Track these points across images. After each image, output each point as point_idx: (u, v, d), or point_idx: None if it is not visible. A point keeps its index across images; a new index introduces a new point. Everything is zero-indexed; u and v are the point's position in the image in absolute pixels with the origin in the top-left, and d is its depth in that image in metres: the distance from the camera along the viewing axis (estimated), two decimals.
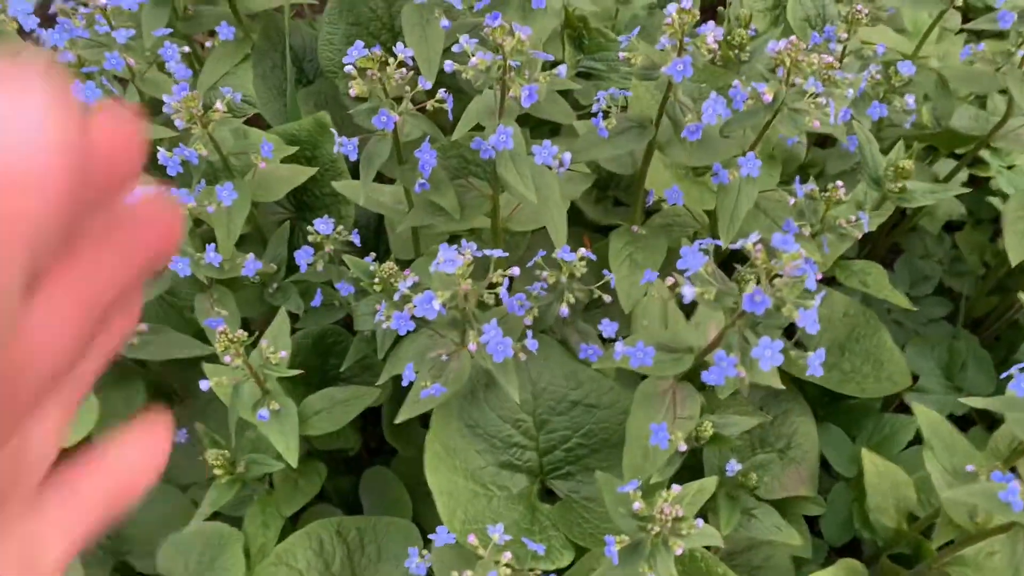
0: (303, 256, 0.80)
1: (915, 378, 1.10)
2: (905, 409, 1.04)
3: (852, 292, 1.04)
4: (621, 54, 0.71)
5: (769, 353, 0.55)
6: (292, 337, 0.87)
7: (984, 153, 1.33)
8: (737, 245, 0.61)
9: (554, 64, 0.72)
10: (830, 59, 0.84)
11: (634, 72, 0.71)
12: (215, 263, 0.73)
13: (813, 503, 0.92)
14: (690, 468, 0.84)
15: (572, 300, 0.72)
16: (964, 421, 1.10)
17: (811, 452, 0.91)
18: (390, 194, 0.82)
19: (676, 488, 0.63)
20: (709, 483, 0.69)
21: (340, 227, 0.81)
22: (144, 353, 0.78)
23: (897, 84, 0.91)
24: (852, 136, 0.89)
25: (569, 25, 1.04)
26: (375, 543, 0.81)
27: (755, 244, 0.55)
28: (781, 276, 0.55)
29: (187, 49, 0.84)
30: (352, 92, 0.68)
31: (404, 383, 0.70)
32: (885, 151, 1.18)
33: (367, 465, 0.95)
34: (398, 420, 0.72)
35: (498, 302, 0.68)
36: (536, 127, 1.04)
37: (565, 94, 0.79)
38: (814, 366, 0.59)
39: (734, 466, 0.81)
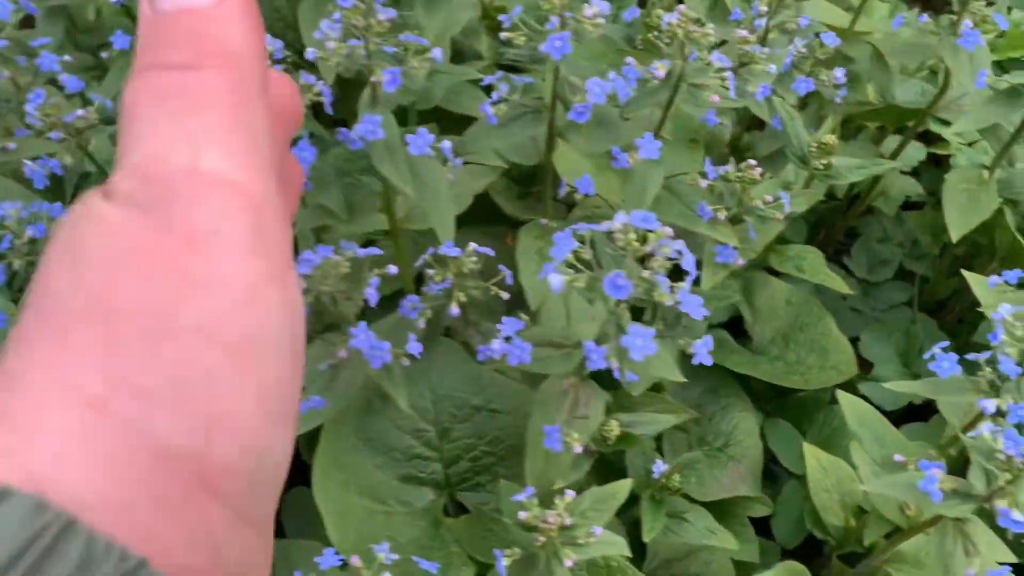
0: None
1: (872, 366, 1.05)
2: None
3: (800, 282, 0.99)
4: (502, 34, 0.67)
5: (640, 342, 0.51)
6: None
7: (945, 131, 1.28)
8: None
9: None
10: (743, 33, 0.80)
11: (518, 56, 0.67)
12: None
13: (759, 503, 0.88)
14: (618, 472, 0.80)
15: (463, 299, 0.68)
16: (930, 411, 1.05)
17: (752, 449, 0.86)
18: None
19: (570, 494, 0.58)
20: (622, 487, 0.64)
21: None
22: None
23: (822, 57, 0.86)
24: (779, 115, 0.85)
25: (487, 16, 1.00)
26: (287, 569, 0.76)
27: (623, 224, 0.51)
28: (653, 257, 0.51)
29: (68, 58, 0.80)
30: None
31: None
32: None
33: (293, 487, 0.91)
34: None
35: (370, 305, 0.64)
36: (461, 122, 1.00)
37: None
38: (701, 354, 0.55)
39: (660, 467, 0.76)
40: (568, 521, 0.55)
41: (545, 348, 0.59)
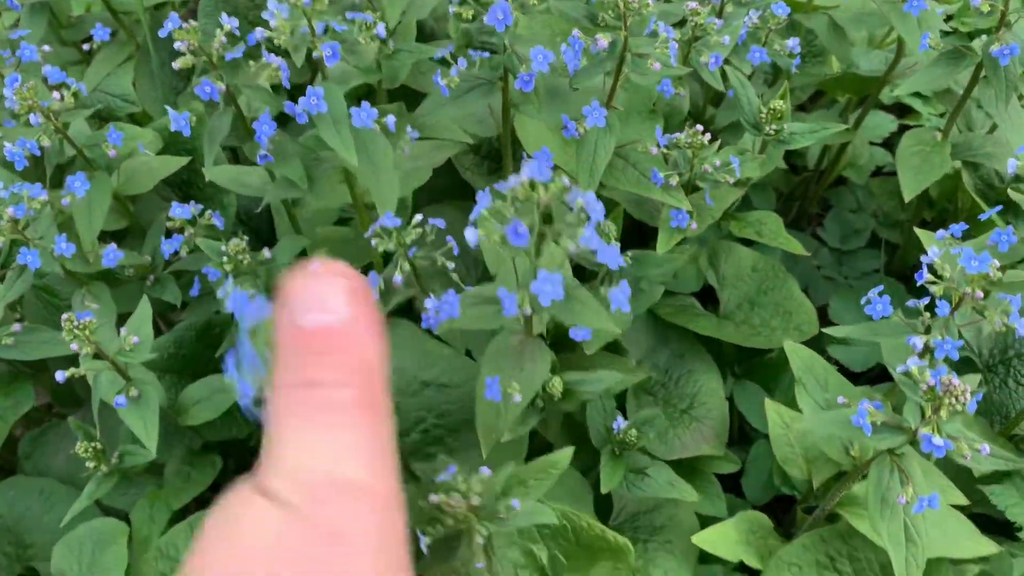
0: (167, 248, 0.79)
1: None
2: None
3: (771, 250, 1.02)
4: (450, 8, 0.70)
5: (549, 287, 0.53)
6: (176, 329, 0.87)
7: (914, 101, 1.31)
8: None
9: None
10: (693, 4, 0.82)
11: (468, 30, 0.70)
12: (67, 254, 0.73)
13: (726, 461, 0.90)
14: (580, 428, 0.82)
15: (407, 269, 0.71)
16: None
17: (716, 411, 0.89)
18: (257, 176, 0.81)
19: (485, 471, 0.59)
20: (563, 456, 0.66)
21: (207, 212, 0.80)
22: (15, 353, 0.78)
23: (775, 26, 0.89)
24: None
25: None
26: None
27: (527, 178, 0.52)
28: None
29: (47, 48, 0.84)
30: (176, 65, 0.67)
31: None
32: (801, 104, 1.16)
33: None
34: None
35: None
36: None
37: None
38: (617, 300, 0.57)
39: (620, 423, 0.79)
40: (476, 501, 0.56)
41: (480, 306, 0.61)
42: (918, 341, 0.60)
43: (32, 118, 0.76)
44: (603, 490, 0.75)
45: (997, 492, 0.80)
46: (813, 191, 1.20)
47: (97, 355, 0.71)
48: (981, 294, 0.59)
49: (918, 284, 0.62)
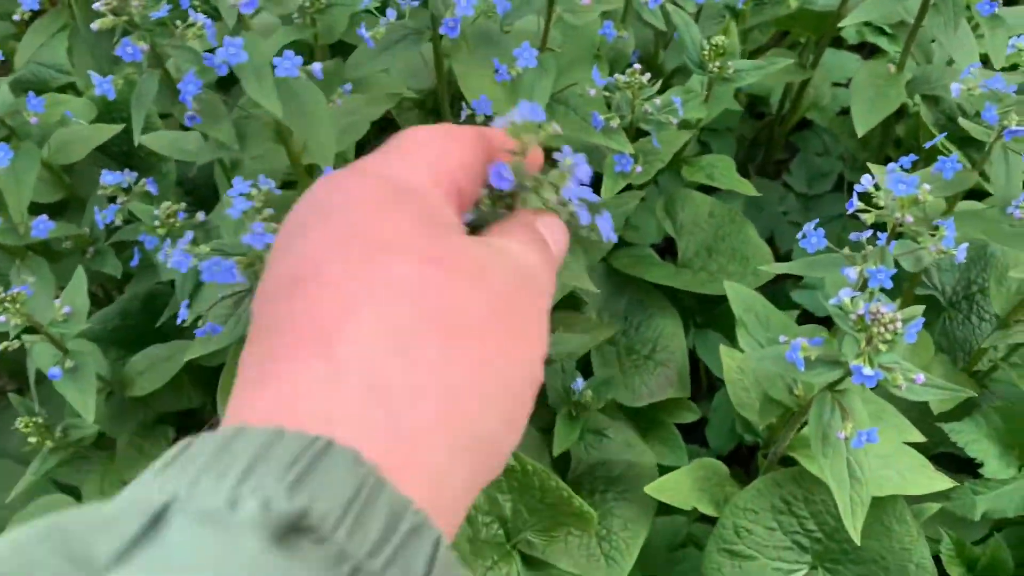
0: (101, 218, 0.78)
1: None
2: (791, 306, 1.00)
3: (732, 198, 1.00)
4: None
5: None
6: (119, 300, 0.85)
7: (880, 39, 1.28)
8: None
9: None
10: None
11: None
12: None
13: (687, 410, 0.89)
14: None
15: None
16: None
17: (678, 353, 0.88)
18: (194, 140, 0.80)
19: None
20: None
21: (142, 180, 0.78)
22: None
23: None
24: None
25: None
26: None
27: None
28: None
29: None
30: (94, 27, 0.65)
31: (178, 322, 0.67)
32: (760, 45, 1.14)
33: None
34: (185, 358, 0.69)
35: None
36: None
37: None
38: (606, 230, 0.55)
39: (580, 384, 0.78)
40: None
41: None
42: (851, 272, 0.58)
43: None
44: (555, 452, 0.74)
45: (956, 429, 0.79)
46: (777, 135, 1.17)
47: (30, 328, 0.70)
48: (911, 218, 0.57)
49: (848, 213, 0.60)
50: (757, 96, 1.21)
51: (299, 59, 0.64)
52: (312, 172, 0.81)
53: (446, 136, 0.35)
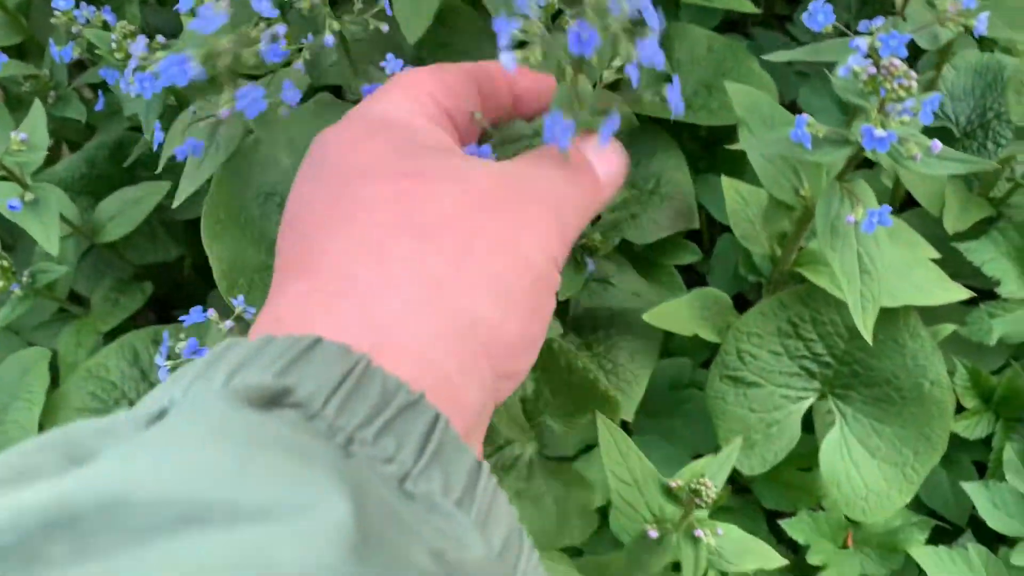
0: (59, 54, 0.73)
1: None
2: None
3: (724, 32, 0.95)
4: None
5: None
6: (86, 148, 0.81)
7: None
8: None
9: None
10: None
11: None
12: None
13: (687, 252, 0.85)
14: None
15: (336, 28, 0.65)
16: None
17: (683, 185, 0.83)
18: None
19: None
20: None
21: (100, 10, 0.73)
22: None
23: None
24: None
25: None
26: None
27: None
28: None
29: None
30: None
31: (154, 147, 0.63)
32: None
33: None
34: (176, 202, 0.65)
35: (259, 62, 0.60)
36: None
37: None
38: (675, 101, 0.50)
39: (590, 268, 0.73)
40: None
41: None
42: (862, 42, 0.53)
43: None
44: (561, 297, 0.70)
45: (973, 248, 0.75)
46: None
47: None
48: None
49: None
50: None
51: None
52: None
53: (431, 71, 0.38)
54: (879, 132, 0.48)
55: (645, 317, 0.71)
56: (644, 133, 0.86)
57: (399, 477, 0.24)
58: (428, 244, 0.30)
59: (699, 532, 0.51)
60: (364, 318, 0.29)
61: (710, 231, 0.95)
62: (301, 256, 0.32)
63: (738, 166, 0.92)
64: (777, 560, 0.58)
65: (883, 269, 0.56)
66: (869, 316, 0.57)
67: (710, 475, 0.51)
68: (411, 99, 0.36)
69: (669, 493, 0.51)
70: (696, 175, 0.93)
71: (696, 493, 0.49)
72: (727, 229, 0.92)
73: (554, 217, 0.34)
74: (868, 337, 0.57)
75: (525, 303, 0.32)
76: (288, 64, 0.64)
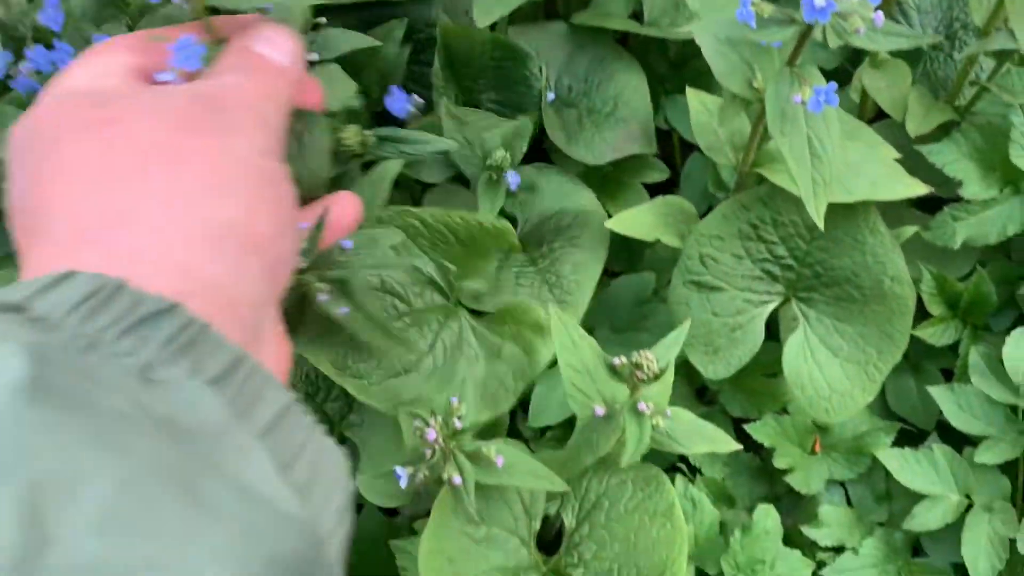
0: None
1: None
2: None
3: None
4: None
5: None
6: None
7: None
8: None
9: None
10: None
11: None
12: None
13: (654, 169, 0.85)
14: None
15: None
16: None
17: (641, 109, 0.83)
18: None
19: None
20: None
21: None
22: None
23: None
24: None
25: None
26: None
27: None
28: None
29: None
30: None
31: None
32: None
33: None
34: None
35: None
36: None
37: None
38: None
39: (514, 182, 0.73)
40: None
41: None
42: None
43: None
44: (480, 217, 0.69)
45: (935, 150, 0.75)
46: None
47: None
48: None
49: None
50: None
51: None
52: None
53: (123, 38, 0.42)
54: (819, 2, 0.48)
55: (608, 224, 0.71)
56: (605, 54, 0.86)
57: (139, 367, 0.27)
58: (150, 173, 0.33)
59: (643, 406, 0.51)
60: (112, 255, 0.31)
61: (682, 154, 0.95)
62: (36, 231, 0.34)
63: (705, 84, 0.92)
64: (730, 444, 0.58)
65: (834, 153, 0.57)
66: (821, 201, 0.57)
67: (658, 356, 0.51)
68: (97, 65, 0.39)
69: (614, 372, 0.51)
70: (665, 96, 0.93)
71: (638, 366, 0.49)
72: (699, 148, 0.92)
73: (252, 115, 0.38)
74: (820, 222, 0.57)
75: (260, 196, 0.36)
76: None
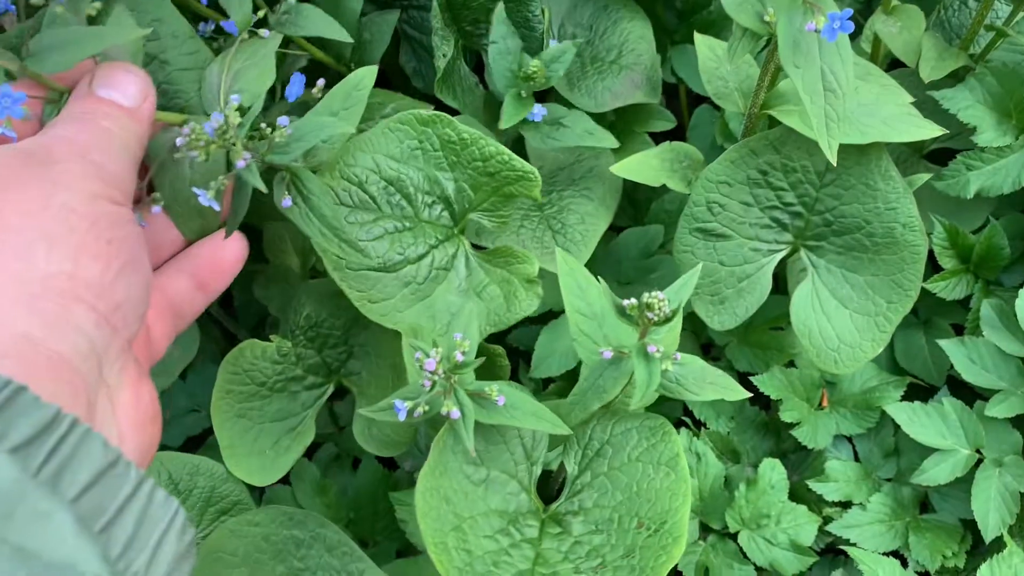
0: None
1: None
2: None
3: None
4: None
5: None
6: None
7: None
8: None
9: None
10: None
11: None
12: None
13: (661, 119, 0.83)
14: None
15: None
16: None
17: (646, 55, 0.81)
18: None
19: None
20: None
21: None
22: None
23: None
24: None
25: None
26: None
27: None
28: None
29: None
30: None
31: None
32: None
33: None
34: None
35: None
36: None
37: None
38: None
39: (528, 61, 0.71)
40: None
41: None
42: None
43: None
44: (502, 126, 0.68)
45: (948, 95, 0.73)
46: None
47: None
48: None
49: None
50: None
51: None
52: None
53: None
54: None
55: (613, 168, 0.69)
56: (610, 2, 0.84)
57: None
58: None
59: (652, 348, 0.49)
60: None
61: (689, 106, 0.93)
62: None
63: (714, 33, 0.90)
64: (739, 392, 0.56)
65: (848, 87, 0.55)
66: (834, 137, 0.55)
67: (669, 297, 0.49)
68: None
69: (624, 315, 0.49)
70: (672, 46, 0.91)
71: (648, 307, 0.48)
72: (706, 100, 0.90)
73: (82, 164, 0.38)
74: (832, 159, 0.56)
75: (88, 243, 0.36)
76: None
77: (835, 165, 0.57)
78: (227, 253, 0.49)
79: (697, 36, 0.75)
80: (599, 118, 0.80)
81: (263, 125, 0.48)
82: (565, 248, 0.71)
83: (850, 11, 0.51)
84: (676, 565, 0.55)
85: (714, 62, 0.75)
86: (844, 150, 0.62)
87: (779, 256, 0.70)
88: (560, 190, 0.74)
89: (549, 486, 0.64)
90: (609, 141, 0.73)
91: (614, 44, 0.82)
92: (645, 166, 0.70)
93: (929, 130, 0.64)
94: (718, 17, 0.89)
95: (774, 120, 0.67)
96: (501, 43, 0.72)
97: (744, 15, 0.60)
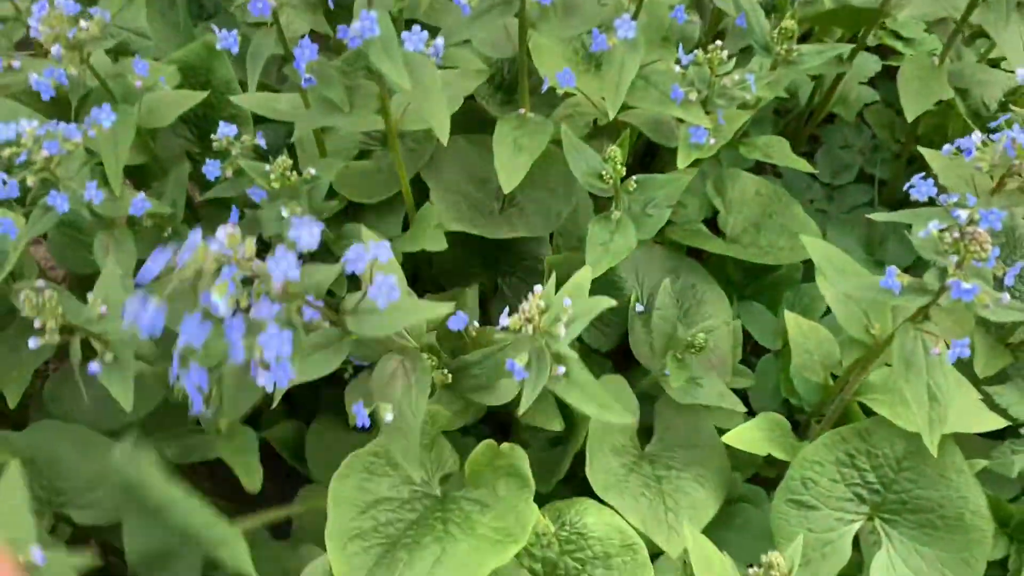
0: (211, 170, 0.80)
1: None
2: None
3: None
4: None
5: None
6: None
7: (897, 44, 1.35)
8: None
9: None
10: None
11: None
12: (96, 200, 0.72)
13: (741, 376, 0.94)
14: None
15: None
16: None
17: (724, 340, 0.92)
18: (286, 101, 0.82)
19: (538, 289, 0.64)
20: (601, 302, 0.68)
21: (244, 136, 0.81)
22: None
23: None
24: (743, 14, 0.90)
25: None
26: None
27: None
28: None
29: None
30: None
31: None
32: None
33: None
34: None
35: None
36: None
37: None
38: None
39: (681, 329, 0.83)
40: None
41: None
42: (962, 213, 0.62)
43: (54, 49, 0.75)
44: (674, 384, 0.80)
45: (1000, 392, 0.85)
46: (804, 129, 1.23)
47: (66, 327, 0.67)
48: None
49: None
50: (782, 96, 1.27)
51: (425, 34, 0.67)
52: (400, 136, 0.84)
53: None
54: (965, 285, 0.58)
55: (724, 439, 0.80)
56: (696, 280, 0.95)
57: None
58: None
59: None
60: None
61: (753, 353, 1.05)
62: None
63: (778, 293, 1.02)
64: None
65: (950, 397, 0.66)
66: (935, 435, 0.67)
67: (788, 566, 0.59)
68: None
69: None
70: (739, 302, 1.03)
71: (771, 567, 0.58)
72: (765, 350, 1.01)
73: None
74: (934, 451, 0.67)
75: None
76: None
77: (935, 456, 0.67)
78: None
79: (788, 316, 0.86)
80: None
81: None
82: (672, 527, 0.80)
83: (967, 340, 0.63)
84: None
85: (802, 337, 0.86)
86: (921, 445, 0.73)
87: (857, 525, 0.80)
88: (679, 470, 0.84)
89: None
90: (737, 405, 0.84)
91: (696, 323, 0.92)
92: (752, 436, 0.80)
93: (993, 421, 0.77)
94: (782, 277, 1.01)
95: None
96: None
97: (853, 327, 0.72)
